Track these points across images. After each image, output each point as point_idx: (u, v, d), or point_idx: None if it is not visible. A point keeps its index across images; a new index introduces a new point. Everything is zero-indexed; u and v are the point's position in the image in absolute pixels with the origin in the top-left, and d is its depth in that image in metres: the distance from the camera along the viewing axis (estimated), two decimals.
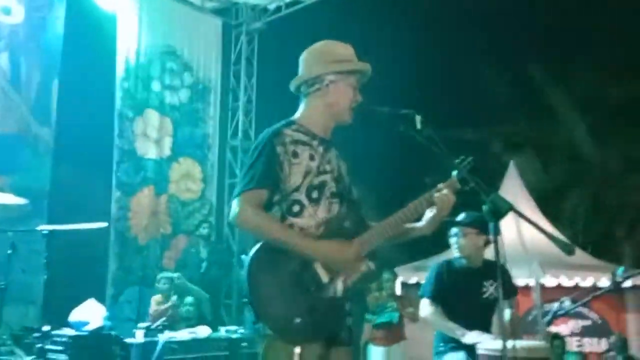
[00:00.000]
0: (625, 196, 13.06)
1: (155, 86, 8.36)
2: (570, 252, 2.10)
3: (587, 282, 8.41)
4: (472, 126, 14.05)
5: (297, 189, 2.29)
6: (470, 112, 14.07)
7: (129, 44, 8.08)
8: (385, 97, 2.50)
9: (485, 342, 3.25)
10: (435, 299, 3.58)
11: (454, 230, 3.69)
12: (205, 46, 9.08)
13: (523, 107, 14.43)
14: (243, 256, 2.30)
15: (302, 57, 2.49)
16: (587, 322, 9.51)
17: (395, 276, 6.85)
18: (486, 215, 2.03)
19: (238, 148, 9.40)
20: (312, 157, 2.33)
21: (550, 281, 8.59)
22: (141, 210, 7.95)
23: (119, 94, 7.90)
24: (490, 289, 3.61)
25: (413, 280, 9.23)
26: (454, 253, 3.73)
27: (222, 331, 5.56)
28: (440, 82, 14.91)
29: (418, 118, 2.28)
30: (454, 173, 2.38)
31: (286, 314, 2.15)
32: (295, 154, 2.30)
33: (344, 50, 2.47)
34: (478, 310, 3.55)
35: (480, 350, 3.24)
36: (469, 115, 13.91)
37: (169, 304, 5.88)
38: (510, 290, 3.68)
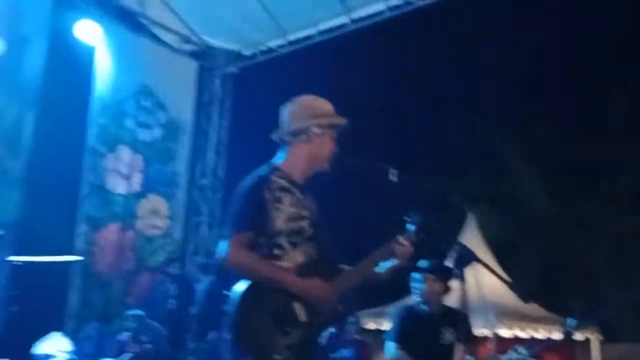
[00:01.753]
0: (574, 252, 13.57)
1: (129, 123, 8.48)
2: (526, 299, 2.31)
3: (540, 334, 8.71)
4: (433, 175, 14.49)
5: (279, 234, 2.47)
6: (430, 162, 14.53)
7: (106, 80, 8.21)
8: (353, 144, 2.75)
9: None
10: (400, 342, 3.75)
11: (415, 275, 3.89)
12: (180, 86, 9.27)
13: (481, 160, 14.97)
14: (227, 293, 2.43)
15: (288, 109, 2.70)
16: None
17: (358, 320, 7.00)
18: (453, 264, 2.25)
19: (207, 187, 9.52)
20: (292, 204, 2.53)
21: (505, 332, 8.86)
22: (107, 245, 7.94)
23: (93, 130, 7.98)
24: (448, 335, 3.79)
25: (371, 326, 9.38)
26: (413, 298, 3.92)
27: None
28: (403, 130, 15.42)
29: (393, 172, 2.52)
30: (410, 227, 2.59)
31: (268, 352, 2.29)
32: (279, 200, 2.49)
33: (326, 105, 2.71)
34: (438, 355, 3.72)
35: None
36: (429, 165, 14.36)
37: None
38: (469, 337, 3.88)
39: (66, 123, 7.35)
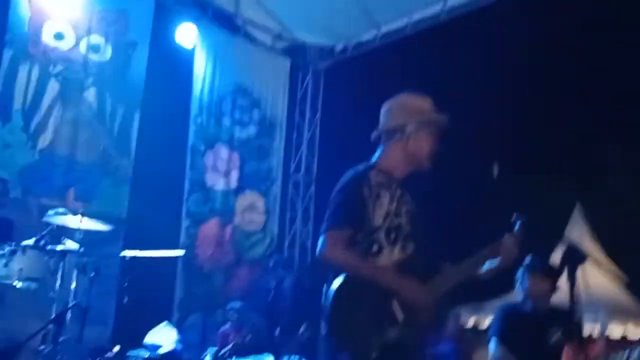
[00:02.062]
0: None
1: (226, 121, 8.77)
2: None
3: None
4: (538, 173, 13.84)
5: (377, 230, 2.44)
6: (536, 158, 13.86)
7: (204, 81, 8.55)
8: (461, 143, 2.66)
9: None
10: (503, 340, 3.61)
11: (521, 273, 3.74)
12: (274, 84, 9.46)
13: (587, 156, 14.14)
14: (325, 288, 2.44)
15: (384, 108, 2.70)
16: None
17: (457, 315, 6.86)
18: (561, 262, 2.12)
19: (300, 183, 9.67)
20: (391, 200, 2.49)
21: (616, 332, 8.35)
22: (207, 239, 8.27)
23: (192, 128, 8.34)
24: (555, 335, 3.62)
25: (470, 322, 9.14)
26: (517, 296, 3.76)
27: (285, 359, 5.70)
28: (505, 126, 14.83)
29: (495, 167, 2.42)
30: (517, 227, 2.51)
31: (365, 348, 2.27)
32: (377, 196, 2.47)
33: (423, 102, 2.66)
34: (543, 356, 3.55)
35: None
36: (535, 161, 13.72)
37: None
38: (579, 338, 3.67)
39: (168, 123, 7.71)
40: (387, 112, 2.66)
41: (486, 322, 8.50)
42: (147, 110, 7.47)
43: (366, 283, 2.35)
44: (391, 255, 2.43)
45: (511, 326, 3.61)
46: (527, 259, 3.70)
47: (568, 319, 3.40)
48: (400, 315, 2.34)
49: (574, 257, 2.08)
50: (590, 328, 8.02)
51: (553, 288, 3.66)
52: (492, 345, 3.63)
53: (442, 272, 2.47)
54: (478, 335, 8.91)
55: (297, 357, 5.74)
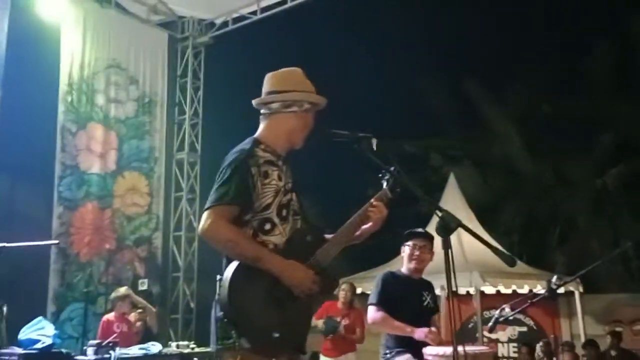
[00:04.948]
0: (556, 208, 13.73)
1: (100, 100, 8.25)
2: (512, 264, 2.29)
3: (523, 289, 8.83)
4: (411, 138, 14.48)
5: (267, 208, 2.39)
6: (409, 124, 14.47)
7: (73, 56, 7.96)
8: (327, 109, 2.67)
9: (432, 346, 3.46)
10: (382, 304, 3.75)
11: (413, 243, 3.88)
12: (151, 59, 9.03)
13: (460, 120, 14.97)
14: (219, 277, 2.37)
15: (279, 77, 2.58)
16: (524, 329, 9.97)
17: (351, 287, 7.03)
18: (437, 231, 2.20)
19: (184, 161, 9.38)
20: (279, 177, 2.45)
21: (489, 289, 8.98)
22: (84, 225, 7.81)
23: (61, 108, 7.76)
24: (428, 298, 3.92)
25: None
26: (407, 264, 3.91)
27: (173, 347, 5.55)
28: (380, 94, 15.30)
29: (374, 141, 2.45)
30: (384, 184, 2.59)
31: (266, 329, 2.24)
32: (266, 174, 2.41)
33: (305, 80, 2.61)
34: (419, 316, 3.78)
35: (428, 356, 3.43)
36: (407, 128, 14.31)
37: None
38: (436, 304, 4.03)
39: (34, 103, 7.11)
40: (282, 81, 2.56)
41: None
42: (8, 87, 6.84)
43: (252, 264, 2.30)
44: (284, 232, 2.41)
45: (391, 291, 3.77)
46: (418, 230, 3.88)
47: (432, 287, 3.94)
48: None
49: (448, 226, 2.15)
50: (466, 287, 8.56)
51: (431, 255, 3.87)
52: (371, 310, 3.78)
53: (327, 241, 2.49)
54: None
55: (186, 343, 5.62)
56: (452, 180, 10.50)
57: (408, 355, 3.60)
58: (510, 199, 14.02)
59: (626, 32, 12.92)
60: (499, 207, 13.81)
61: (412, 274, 3.91)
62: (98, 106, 8.22)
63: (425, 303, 3.88)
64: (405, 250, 3.93)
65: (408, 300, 3.81)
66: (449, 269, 2.14)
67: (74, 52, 7.97)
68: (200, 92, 9.71)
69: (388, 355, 3.76)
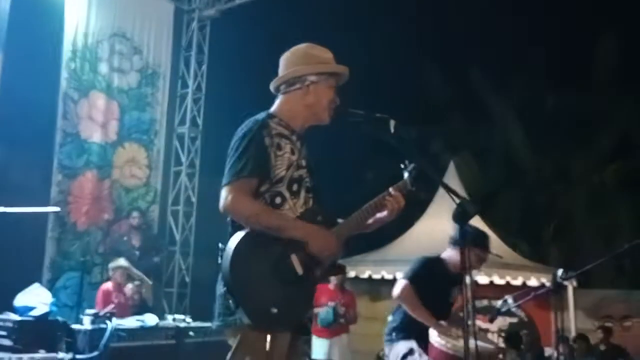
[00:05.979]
0: (554, 202, 13.74)
1: (103, 68, 8.15)
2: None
3: (517, 281, 8.86)
4: (412, 125, 14.39)
5: (279, 181, 2.36)
6: (410, 111, 14.37)
7: (77, 23, 7.84)
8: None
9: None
10: (415, 284, 3.70)
11: (483, 253, 3.80)
12: (157, 30, 8.91)
13: (461, 108, 14.90)
14: (221, 246, 2.32)
15: (284, 58, 2.57)
16: (514, 320, 10.03)
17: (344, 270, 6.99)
18: (454, 218, 2.17)
19: (185, 135, 9.30)
20: (292, 151, 2.42)
21: (483, 279, 9.01)
22: (83, 195, 7.75)
23: (64, 75, 7.66)
24: (453, 294, 3.87)
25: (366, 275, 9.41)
26: (459, 263, 3.82)
27: (170, 319, 5.54)
28: (382, 79, 15.17)
29: (392, 122, 2.40)
30: (405, 176, 2.55)
31: (265, 304, 2.21)
32: (279, 147, 2.38)
33: (324, 53, 2.56)
34: (443, 310, 3.77)
35: (435, 343, 3.41)
36: (407, 114, 14.20)
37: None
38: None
39: (37, 68, 7.00)
40: (286, 61, 2.53)
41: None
42: (11, 52, 6.72)
43: (264, 240, 2.27)
44: (294, 207, 2.38)
45: (429, 276, 3.72)
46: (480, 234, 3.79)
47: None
48: (300, 270, 2.31)
49: (467, 213, 2.12)
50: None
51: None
52: (402, 284, 3.72)
53: (341, 224, 2.46)
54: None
55: (182, 316, 5.61)
56: (451, 168, 10.47)
57: (413, 341, 3.59)
58: (509, 190, 14.01)
59: (630, 29, 12.84)
60: (497, 197, 13.80)
61: (454, 269, 3.81)
62: (101, 75, 8.12)
63: (451, 299, 3.86)
64: (472, 255, 3.67)
65: (438, 293, 3.78)
66: (468, 266, 2.08)
67: (79, 18, 7.85)
68: (205, 66, 9.60)
69: (394, 337, 3.74)
